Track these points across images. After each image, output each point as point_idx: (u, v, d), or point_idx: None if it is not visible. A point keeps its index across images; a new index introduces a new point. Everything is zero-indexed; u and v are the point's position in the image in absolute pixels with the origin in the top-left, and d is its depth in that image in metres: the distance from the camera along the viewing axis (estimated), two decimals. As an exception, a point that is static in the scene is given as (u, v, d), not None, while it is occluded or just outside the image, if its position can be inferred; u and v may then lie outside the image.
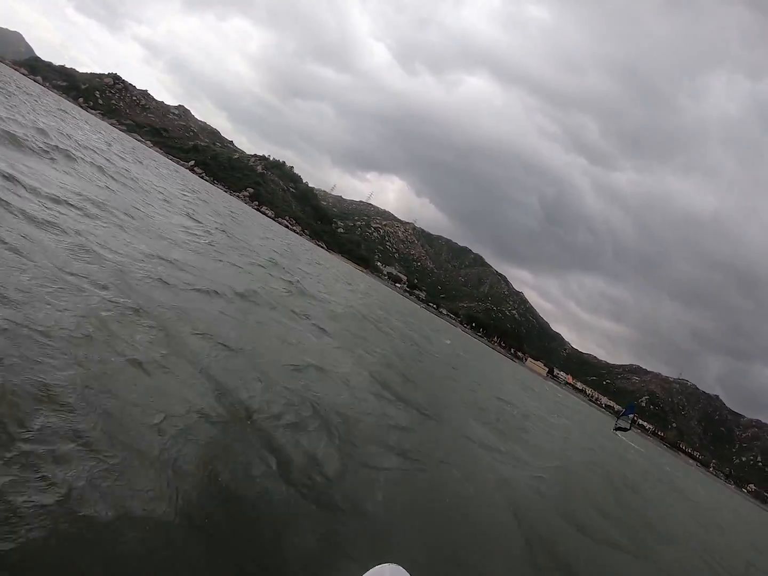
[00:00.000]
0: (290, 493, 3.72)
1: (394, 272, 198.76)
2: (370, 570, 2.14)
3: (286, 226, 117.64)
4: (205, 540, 2.86)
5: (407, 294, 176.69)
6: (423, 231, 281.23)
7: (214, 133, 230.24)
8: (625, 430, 54.11)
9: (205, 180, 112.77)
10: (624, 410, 65.67)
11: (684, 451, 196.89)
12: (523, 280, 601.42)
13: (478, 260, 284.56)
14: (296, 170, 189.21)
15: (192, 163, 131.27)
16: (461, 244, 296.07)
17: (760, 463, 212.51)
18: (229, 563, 2.78)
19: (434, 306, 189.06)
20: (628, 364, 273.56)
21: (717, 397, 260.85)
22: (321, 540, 3.42)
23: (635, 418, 61.45)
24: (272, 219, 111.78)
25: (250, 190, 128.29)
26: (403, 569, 2.21)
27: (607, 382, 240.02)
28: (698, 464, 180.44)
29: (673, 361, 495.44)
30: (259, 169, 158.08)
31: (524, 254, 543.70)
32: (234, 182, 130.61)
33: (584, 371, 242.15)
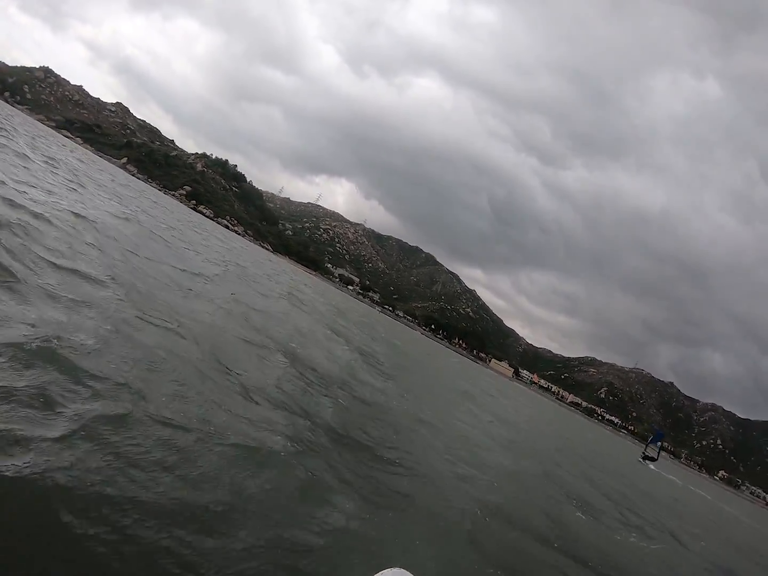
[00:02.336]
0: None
1: (346, 274, 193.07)
2: (376, 575, 2.10)
3: (226, 227, 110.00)
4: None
5: (360, 297, 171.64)
6: (373, 231, 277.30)
7: (153, 132, 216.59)
8: (653, 460, 51.16)
9: (138, 178, 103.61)
10: (651, 438, 62.36)
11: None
12: (474, 278, 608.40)
13: (430, 259, 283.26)
14: (249, 179, 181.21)
15: (124, 160, 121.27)
16: (412, 244, 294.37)
17: (720, 446, 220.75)
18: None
19: (389, 308, 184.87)
20: (583, 356, 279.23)
21: (671, 383, 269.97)
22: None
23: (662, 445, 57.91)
24: (210, 219, 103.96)
25: (187, 188, 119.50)
26: (409, 573, 2.17)
27: (565, 376, 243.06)
28: (671, 456, 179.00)
29: (626, 352, 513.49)
30: (199, 166, 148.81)
31: (475, 254, 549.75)
32: (170, 180, 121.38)
33: (540, 366, 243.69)
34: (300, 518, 3.89)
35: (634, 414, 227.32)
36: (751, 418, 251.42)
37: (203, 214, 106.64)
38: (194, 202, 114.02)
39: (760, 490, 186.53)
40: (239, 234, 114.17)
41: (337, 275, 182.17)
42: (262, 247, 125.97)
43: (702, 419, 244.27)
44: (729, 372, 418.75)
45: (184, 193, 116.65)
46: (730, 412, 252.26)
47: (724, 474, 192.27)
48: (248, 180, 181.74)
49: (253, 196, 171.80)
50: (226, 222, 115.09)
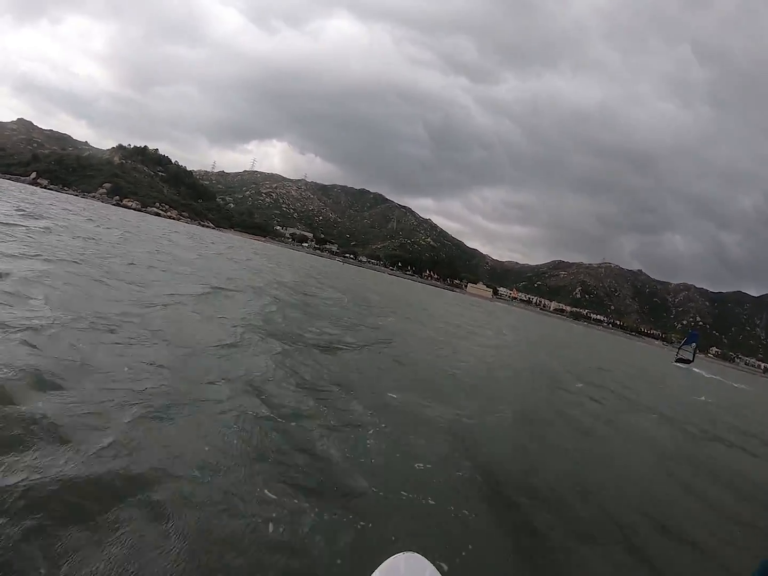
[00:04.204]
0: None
1: (298, 232, 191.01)
2: (388, 559, 2.07)
3: (157, 214, 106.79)
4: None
5: (318, 251, 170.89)
6: (316, 184, 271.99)
7: (63, 139, 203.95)
8: (688, 362, 50.99)
9: (50, 190, 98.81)
10: (685, 339, 60.62)
11: (647, 334, 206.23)
12: (427, 207, 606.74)
13: (379, 199, 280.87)
14: (174, 159, 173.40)
15: (33, 175, 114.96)
16: (357, 187, 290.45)
17: (701, 323, 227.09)
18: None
19: (351, 256, 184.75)
20: (549, 261, 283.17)
21: (640, 271, 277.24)
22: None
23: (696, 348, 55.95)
24: (137, 210, 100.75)
25: (107, 185, 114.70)
26: (422, 557, 2.14)
27: (538, 284, 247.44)
28: (663, 343, 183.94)
29: (589, 250, 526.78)
30: (116, 160, 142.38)
31: (422, 184, 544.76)
32: (87, 182, 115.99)
33: (512, 280, 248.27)
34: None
35: (612, 307, 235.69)
36: (723, 291, 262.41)
37: (128, 207, 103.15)
38: (117, 197, 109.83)
39: (753, 360, 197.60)
40: (173, 218, 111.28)
41: (288, 235, 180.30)
42: (202, 225, 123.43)
43: (677, 300, 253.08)
44: (691, 251, 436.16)
45: (105, 191, 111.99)
46: (702, 288, 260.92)
47: (717, 351, 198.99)
48: (173, 161, 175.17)
49: (182, 176, 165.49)
50: (156, 209, 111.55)
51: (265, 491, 3.60)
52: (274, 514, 3.33)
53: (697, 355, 55.55)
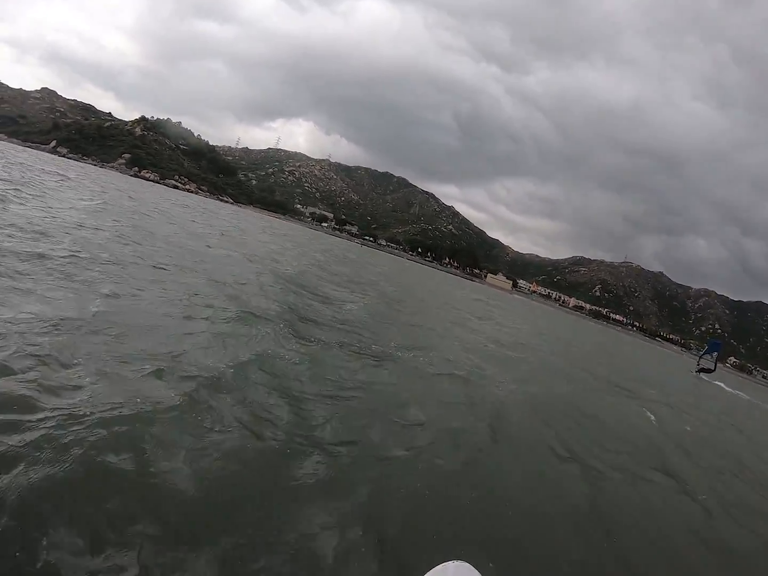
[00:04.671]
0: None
1: (318, 211, 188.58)
2: (436, 567, 2.05)
3: (175, 187, 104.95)
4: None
5: (337, 232, 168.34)
6: (340, 165, 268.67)
7: (86, 109, 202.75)
8: (709, 371, 48.93)
9: (69, 158, 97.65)
10: (706, 348, 57.37)
11: (666, 339, 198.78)
12: (450, 195, 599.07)
13: (403, 183, 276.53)
14: (197, 134, 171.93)
15: (53, 144, 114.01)
16: (381, 170, 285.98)
17: (719, 330, 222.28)
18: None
19: (371, 239, 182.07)
20: (570, 257, 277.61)
21: (661, 273, 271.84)
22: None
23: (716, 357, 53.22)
24: (155, 182, 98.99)
25: (126, 156, 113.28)
26: (471, 566, 2.11)
27: (557, 279, 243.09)
28: (682, 349, 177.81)
29: (611, 248, 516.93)
30: (138, 131, 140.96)
31: (447, 171, 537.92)
32: (107, 152, 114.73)
33: (531, 273, 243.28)
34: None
35: (631, 308, 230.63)
36: (744, 300, 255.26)
37: (146, 179, 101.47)
38: (136, 168, 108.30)
39: None
40: (191, 191, 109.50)
41: (308, 214, 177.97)
42: (221, 200, 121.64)
43: (697, 305, 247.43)
44: (714, 256, 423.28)
45: (124, 161, 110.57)
46: (723, 295, 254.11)
47: (735, 361, 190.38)
48: (196, 135, 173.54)
49: (204, 150, 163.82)
50: (174, 182, 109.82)
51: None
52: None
53: (717, 365, 53.53)
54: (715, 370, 49.17)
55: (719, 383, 43.52)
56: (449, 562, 2.05)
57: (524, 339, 20.00)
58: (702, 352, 57.28)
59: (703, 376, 46.41)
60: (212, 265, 12.39)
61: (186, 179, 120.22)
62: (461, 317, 20.59)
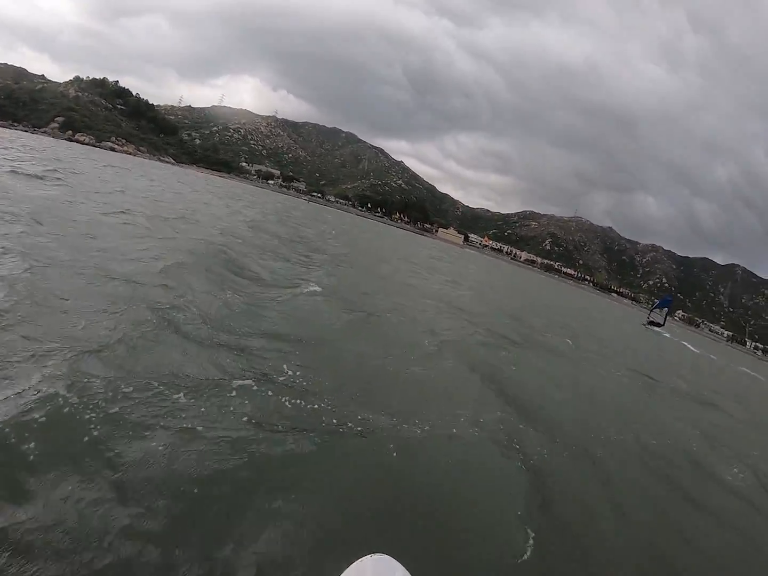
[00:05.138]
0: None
1: (264, 169, 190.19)
2: (355, 562, 2.04)
3: (111, 149, 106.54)
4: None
5: (284, 189, 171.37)
6: (287, 121, 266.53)
7: (18, 72, 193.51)
8: (659, 325, 51.08)
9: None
10: (657, 302, 59.15)
11: (617, 292, 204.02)
12: (401, 150, 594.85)
13: (351, 138, 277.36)
14: (142, 94, 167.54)
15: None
16: (330, 126, 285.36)
17: (666, 285, 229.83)
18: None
19: (318, 195, 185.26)
20: (521, 211, 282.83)
21: (611, 228, 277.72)
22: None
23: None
24: (90, 146, 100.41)
25: (60, 119, 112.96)
26: (393, 559, 2.09)
27: (508, 233, 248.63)
28: (633, 302, 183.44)
29: (562, 203, 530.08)
30: (72, 93, 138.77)
31: (398, 126, 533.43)
32: (40, 116, 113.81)
33: (481, 226, 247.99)
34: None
35: (581, 262, 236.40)
36: (690, 256, 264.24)
37: (81, 142, 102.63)
38: (70, 132, 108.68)
39: (717, 327, 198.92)
40: (129, 153, 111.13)
41: (254, 172, 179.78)
42: (161, 160, 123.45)
43: (645, 260, 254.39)
44: (663, 214, 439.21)
45: (57, 125, 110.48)
46: (670, 251, 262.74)
47: (683, 314, 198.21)
48: (135, 94, 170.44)
49: (144, 109, 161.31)
50: (110, 144, 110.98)
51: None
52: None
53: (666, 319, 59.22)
54: (664, 324, 51.97)
55: (667, 334, 49.52)
56: (368, 555, 2.06)
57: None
58: (653, 306, 59.57)
59: (653, 329, 50.60)
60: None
61: (124, 140, 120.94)
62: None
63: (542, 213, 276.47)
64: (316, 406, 5.64)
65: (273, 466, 4.38)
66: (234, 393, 5.41)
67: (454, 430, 6.21)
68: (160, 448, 4.11)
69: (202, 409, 4.89)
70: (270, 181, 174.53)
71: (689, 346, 48.56)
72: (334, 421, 5.45)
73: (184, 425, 4.51)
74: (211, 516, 3.65)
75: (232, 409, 5.08)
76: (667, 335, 48.50)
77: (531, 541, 4.46)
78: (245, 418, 4.96)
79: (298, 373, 6.39)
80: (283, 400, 5.57)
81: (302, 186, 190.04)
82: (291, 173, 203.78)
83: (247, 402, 5.27)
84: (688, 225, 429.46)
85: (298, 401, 5.63)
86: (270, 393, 5.65)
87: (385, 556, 2.10)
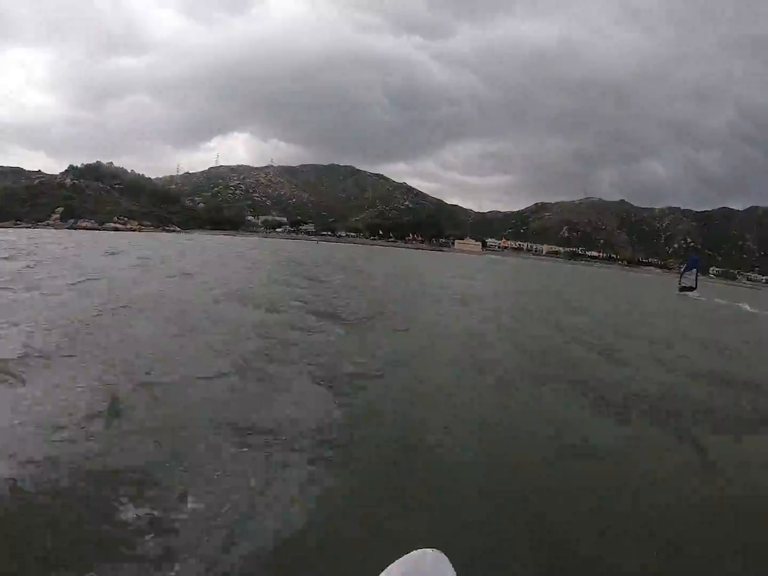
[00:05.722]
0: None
1: (270, 218, 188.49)
2: (405, 555, 1.97)
3: (115, 229, 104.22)
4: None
5: (293, 234, 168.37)
6: (284, 167, 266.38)
7: (15, 172, 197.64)
8: (691, 289, 49.69)
9: (4, 228, 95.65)
10: (685, 266, 58.68)
11: (646, 263, 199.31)
12: (401, 172, 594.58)
13: (350, 170, 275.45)
14: (139, 170, 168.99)
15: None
16: (326, 163, 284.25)
17: (692, 244, 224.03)
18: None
19: (329, 233, 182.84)
20: (531, 205, 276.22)
21: (623, 201, 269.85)
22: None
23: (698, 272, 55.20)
24: (93, 230, 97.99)
25: (60, 209, 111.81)
26: (443, 555, 2.02)
27: (524, 230, 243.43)
28: (663, 270, 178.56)
29: (570, 189, 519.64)
30: (68, 182, 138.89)
31: (391, 149, 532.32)
32: (40, 211, 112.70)
33: (496, 229, 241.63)
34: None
35: (602, 241, 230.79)
36: (708, 209, 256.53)
37: (84, 228, 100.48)
38: (72, 220, 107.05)
39: (755, 275, 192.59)
40: (134, 230, 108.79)
41: (260, 224, 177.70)
42: (167, 231, 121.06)
43: (664, 225, 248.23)
44: (672, 174, 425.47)
45: (57, 216, 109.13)
46: (688, 209, 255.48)
47: (717, 270, 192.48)
48: (130, 171, 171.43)
49: (142, 184, 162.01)
50: (114, 225, 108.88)
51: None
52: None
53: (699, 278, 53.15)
54: (696, 287, 49.86)
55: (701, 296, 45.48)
56: (419, 550, 2.00)
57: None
58: (682, 270, 58.26)
59: (688, 294, 47.58)
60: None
61: (126, 219, 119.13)
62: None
63: (553, 202, 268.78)
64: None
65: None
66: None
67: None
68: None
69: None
70: (278, 230, 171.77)
71: (747, 307, 40.04)
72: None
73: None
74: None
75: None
76: (704, 299, 44.22)
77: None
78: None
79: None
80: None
81: (311, 227, 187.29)
82: (299, 217, 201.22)
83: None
84: (698, 179, 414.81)
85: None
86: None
87: (438, 552, 2.04)
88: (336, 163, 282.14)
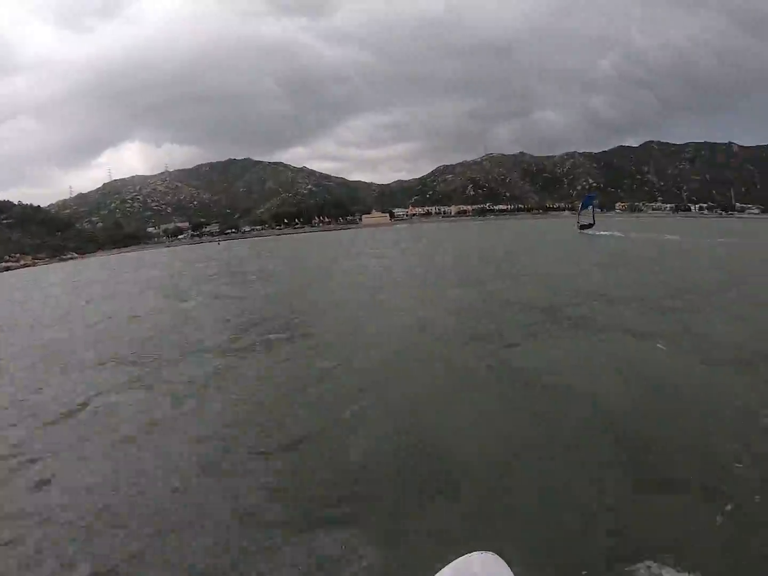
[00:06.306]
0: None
1: (171, 227, 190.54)
2: (461, 557, 2.07)
3: (7, 269, 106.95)
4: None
5: (196, 238, 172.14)
6: (180, 170, 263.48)
7: None
8: (590, 226, 51.62)
9: None
10: (581, 204, 59.36)
11: (554, 209, 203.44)
12: (300, 156, 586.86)
13: (248, 163, 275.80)
14: (30, 199, 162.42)
15: None
16: (223, 160, 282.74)
17: (594, 184, 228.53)
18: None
19: (233, 230, 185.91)
20: (434, 168, 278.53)
21: (522, 152, 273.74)
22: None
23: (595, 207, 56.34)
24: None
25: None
26: (498, 556, 2.10)
27: (430, 194, 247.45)
28: (572, 212, 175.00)
29: (469, 148, 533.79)
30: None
31: (288, 135, 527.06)
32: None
33: (401, 198, 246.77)
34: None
35: (508, 194, 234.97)
36: (605, 149, 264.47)
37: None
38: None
39: (658, 204, 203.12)
40: (29, 265, 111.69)
41: (162, 234, 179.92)
42: (63, 260, 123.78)
43: (566, 169, 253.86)
44: (566, 121, 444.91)
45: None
46: (586, 152, 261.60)
47: (623, 205, 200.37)
48: (17, 202, 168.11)
49: (31, 214, 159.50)
50: (5, 264, 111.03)
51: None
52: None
53: (604, 213, 51.81)
54: (594, 223, 52.45)
55: (598, 232, 49.49)
56: (476, 552, 2.03)
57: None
58: (579, 209, 59.71)
59: (587, 232, 50.55)
60: None
61: (18, 255, 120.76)
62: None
63: (454, 164, 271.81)
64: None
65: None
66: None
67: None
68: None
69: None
70: (180, 236, 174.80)
71: (670, 236, 44.56)
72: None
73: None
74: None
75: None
76: (606, 233, 48.43)
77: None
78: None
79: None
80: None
81: (215, 228, 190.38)
82: (202, 219, 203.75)
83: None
84: (592, 123, 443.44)
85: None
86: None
87: (493, 554, 2.10)
88: (233, 158, 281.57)
